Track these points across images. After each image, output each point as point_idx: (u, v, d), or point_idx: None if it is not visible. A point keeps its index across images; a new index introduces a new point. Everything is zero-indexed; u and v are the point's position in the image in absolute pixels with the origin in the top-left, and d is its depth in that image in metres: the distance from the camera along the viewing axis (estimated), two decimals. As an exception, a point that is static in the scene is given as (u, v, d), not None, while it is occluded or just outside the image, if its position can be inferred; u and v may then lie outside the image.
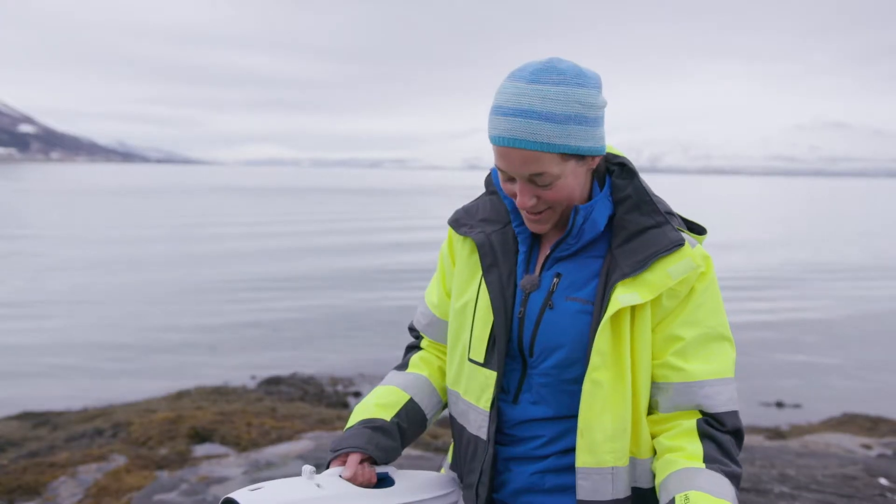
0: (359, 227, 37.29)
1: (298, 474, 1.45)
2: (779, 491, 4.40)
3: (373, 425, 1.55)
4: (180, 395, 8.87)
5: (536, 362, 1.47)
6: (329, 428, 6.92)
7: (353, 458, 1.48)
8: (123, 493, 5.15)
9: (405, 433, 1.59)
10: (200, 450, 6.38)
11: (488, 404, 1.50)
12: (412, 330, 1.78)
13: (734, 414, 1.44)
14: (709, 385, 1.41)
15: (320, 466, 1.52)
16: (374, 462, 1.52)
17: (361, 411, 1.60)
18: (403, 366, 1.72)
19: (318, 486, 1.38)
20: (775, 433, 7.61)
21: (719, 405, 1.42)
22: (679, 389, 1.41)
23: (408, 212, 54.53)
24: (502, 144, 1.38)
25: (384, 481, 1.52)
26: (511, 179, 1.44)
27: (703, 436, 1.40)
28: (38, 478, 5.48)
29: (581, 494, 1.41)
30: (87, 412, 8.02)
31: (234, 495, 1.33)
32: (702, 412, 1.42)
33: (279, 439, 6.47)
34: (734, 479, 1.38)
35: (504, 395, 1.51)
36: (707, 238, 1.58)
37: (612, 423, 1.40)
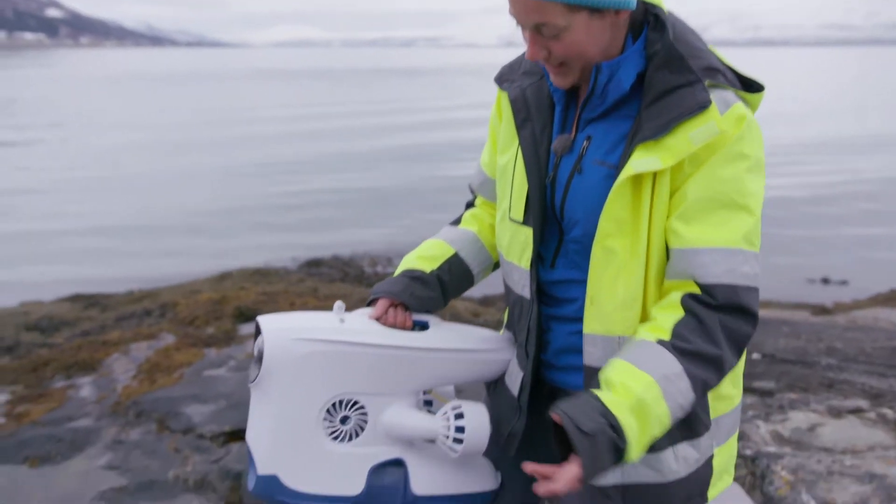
0: (394, 108, 36.79)
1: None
2: (826, 363, 4.36)
3: (411, 275, 1.58)
4: (223, 277, 9.03)
5: (568, 228, 1.42)
6: (371, 306, 7.00)
7: (383, 303, 1.52)
8: (174, 369, 5.30)
9: (446, 286, 1.61)
10: (245, 329, 6.52)
11: (528, 263, 1.47)
12: (470, 189, 1.78)
13: (732, 288, 1.28)
14: (706, 253, 1.28)
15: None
16: (410, 310, 1.55)
17: (406, 262, 1.64)
18: (456, 221, 1.74)
19: (342, 320, 1.41)
20: (821, 310, 7.52)
21: (713, 276, 1.28)
22: (676, 255, 1.31)
23: (442, 92, 53.53)
24: None
25: (420, 328, 1.52)
26: None
27: (686, 310, 1.29)
28: (92, 355, 5.67)
29: (588, 360, 1.39)
30: (135, 294, 8.23)
31: (259, 317, 1.40)
32: (696, 283, 1.30)
33: (322, 318, 6.57)
34: (696, 357, 1.26)
35: (542, 260, 1.48)
36: (763, 97, 1.41)
37: (624, 293, 1.33)
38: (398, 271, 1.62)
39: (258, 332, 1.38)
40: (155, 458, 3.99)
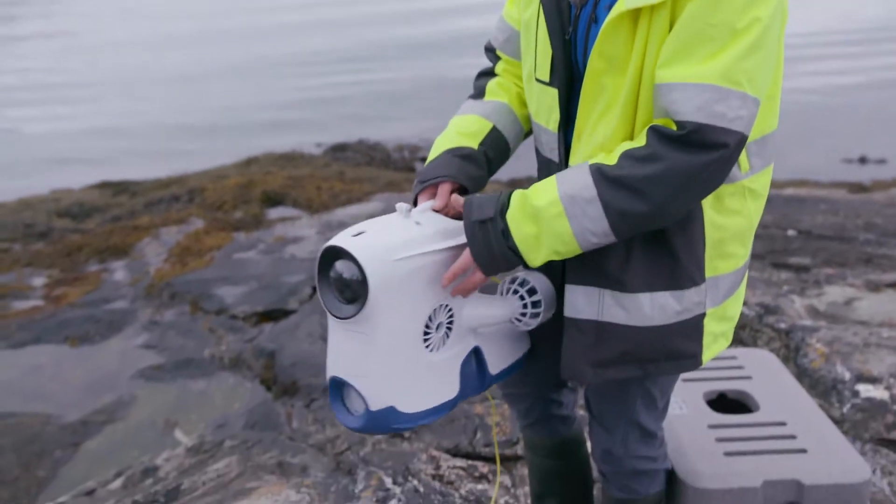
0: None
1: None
2: (864, 238, 4.26)
3: (460, 154, 1.46)
4: (249, 163, 9.00)
5: None
6: (398, 190, 6.95)
7: (445, 188, 1.41)
8: (205, 252, 5.35)
9: (491, 162, 1.52)
10: (273, 213, 6.53)
11: (556, 125, 1.40)
12: (489, 51, 1.64)
13: (699, 127, 1.16)
14: (677, 89, 1.17)
15: None
16: (462, 192, 1.44)
17: (444, 141, 1.51)
18: (479, 94, 1.60)
19: (417, 223, 1.31)
20: (858, 188, 7.33)
21: (684, 113, 1.16)
22: (658, 91, 1.21)
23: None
24: None
25: None
26: None
27: (646, 140, 1.21)
28: (124, 239, 5.74)
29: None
30: (162, 180, 8.25)
31: (338, 243, 1.23)
32: (673, 121, 1.19)
33: (349, 201, 6.54)
34: (620, 185, 1.19)
35: (572, 121, 1.38)
36: None
37: (605, 131, 1.28)
38: (439, 151, 1.49)
39: (336, 258, 1.24)
40: (190, 338, 4.08)
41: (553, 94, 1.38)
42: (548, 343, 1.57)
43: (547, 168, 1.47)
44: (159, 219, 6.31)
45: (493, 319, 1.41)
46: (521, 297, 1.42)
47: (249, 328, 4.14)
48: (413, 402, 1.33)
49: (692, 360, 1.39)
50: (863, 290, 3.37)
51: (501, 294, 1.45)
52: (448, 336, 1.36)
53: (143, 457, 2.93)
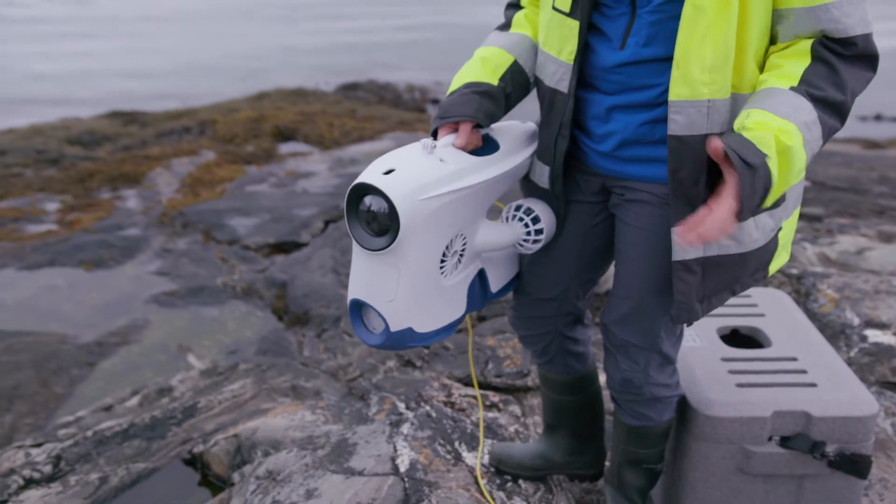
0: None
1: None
2: (878, 191, 4.26)
3: (479, 90, 1.46)
4: (261, 97, 8.92)
5: (645, 0, 1.31)
6: (409, 129, 6.91)
7: (465, 128, 1.42)
8: (216, 183, 5.36)
9: (510, 98, 1.51)
10: (285, 147, 6.52)
11: (571, 57, 1.39)
12: None
13: (867, 37, 1.23)
14: (835, 6, 1.21)
15: None
16: (479, 126, 1.47)
17: (466, 74, 1.51)
18: (506, 25, 1.60)
19: (442, 160, 1.36)
20: (872, 144, 7.28)
21: (849, 27, 1.21)
22: (801, 14, 1.23)
23: None
24: None
25: (489, 143, 1.49)
26: None
27: (815, 57, 1.23)
28: (136, 168, 5.74)
29: (673, 129, 1.29)
30: (172, 112, 8.20)
31: (370, 181, 1.28)
32: (826, 37, 1.23)
33: (360, 139, 6.52)
34: (826, 105, 1.21)
35: (608, 42, 1.38)
36: None
37: (713, 53, 1.24)
38: (458, 83, 1.50)
39: (365, 193, 1.29)
40: (202, 266, 4.12)
41: (572, 25, 1.37)
42: (554, 286, 1.63)
43: (551, 98, 1.46)
44: (170, 149, 6.29)
45: (500, 244, 1.52)
46: (525, 224, 1.52)
47: (261, 259, 4.17)
48: (428, 322, 1.43)
49: (764, 271, 1.45)
50: (875, 240, 3.38)
51: (507, 220, 1.54)
52: (460, 262, 1.46)
53: (157, 378, 2.99)
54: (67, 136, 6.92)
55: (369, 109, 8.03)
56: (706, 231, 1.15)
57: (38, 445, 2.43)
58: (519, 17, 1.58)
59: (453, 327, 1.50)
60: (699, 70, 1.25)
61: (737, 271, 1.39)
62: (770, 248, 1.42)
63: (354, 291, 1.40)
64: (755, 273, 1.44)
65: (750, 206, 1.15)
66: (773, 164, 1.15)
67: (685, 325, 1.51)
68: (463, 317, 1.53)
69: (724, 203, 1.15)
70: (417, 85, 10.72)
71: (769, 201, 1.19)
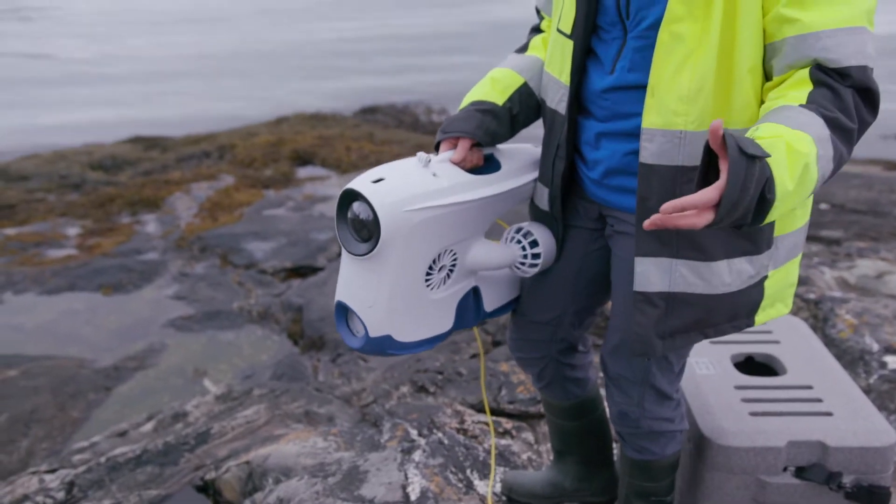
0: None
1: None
2: (899, 215, 4.20)
3: (483, 108, 1.48)
4: (280, 121, 9.02)
5: (633, 24, 1.30)
6: (427, 153, 6.94)
7: (464, 144, 1.43)
8: (235, 207, 5.41)
9: (516, 118, 1.52)
10: (303, 171, 6.56)
11: (567, 77, 1.40)
12: (537, 11, 1.64)
13: (863, 69, 1.15)
14: (828, 35, 1.14)
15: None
16: (481, 145, 1.48)
17: (474, 93, 1.53)
18: (524, 48, 1.62)
19: (434, 175, 1.37)
20: (893, 166, 7.20)
21: (843, 58, 1.14)
22: (792, 44, 1.17)
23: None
24: None
25: (490, 163, 1.51)
26: None
27: (816, 82, 1.15)
28: (155, 193, 5.80)
29: (644, 156, 1.26)
30: (192, 137, 8.29)
31: (357, 187, 1.31)
32: (819, 66, 1.16)
33: (378, 162, 6.54)
34: (837, 127, 1.11)
35: (601, 66, 1.37)
36: None
37: (689, 84, 1.20)
38: (466, 101, 1.51)
39: (355, 199, 1.33)
40: (220, 291, 4.14)
41: (570, 45, 1.37)
42: (548, 311, 1.62)
43: (551, 119, 1.47)
44: (190, 174, 6.37)
45: (494, 264, 1.52)
46: (523, 248, 1.52)
47: (278, 283, 4.19)
48: (409, 332, 1.45)
49: (747, 320, 1.39)
50: (895, 264, 3.33)
51: (506, 241, 1.54)
52: (449, 277, 1.47)
53: (173, 402, 3.00)
54: (90, 161, 7.03)
55: (387, 133, 8.08)
56: (666, 209, 1.01)
57: (53, 471, 2.44)
58: (536, 40, 1.60)
59: (438, 340, 1.51)
60: (674, 100, 1.22)
61: (705, 314, 1.34)
62: (750, 296, 1.36)
63: (339, 294, 1.43)
64: (734, 320, 1.37)
65: (732, 200, 1.00)
66: (777, 168, 1.04)
67: (646, 359, 1.45)
68: (450, 331, 1.53)
69: (706, 192, 1.02)
70: (435, 107, 10.79)
71: (769, 217, 1.07)
